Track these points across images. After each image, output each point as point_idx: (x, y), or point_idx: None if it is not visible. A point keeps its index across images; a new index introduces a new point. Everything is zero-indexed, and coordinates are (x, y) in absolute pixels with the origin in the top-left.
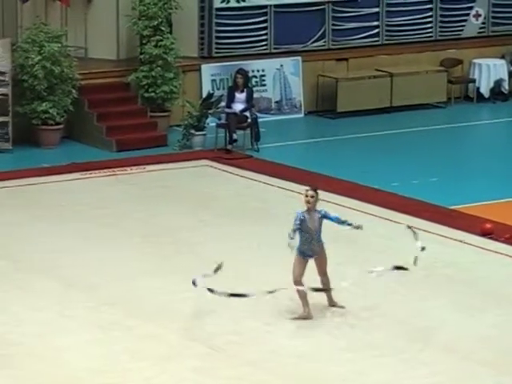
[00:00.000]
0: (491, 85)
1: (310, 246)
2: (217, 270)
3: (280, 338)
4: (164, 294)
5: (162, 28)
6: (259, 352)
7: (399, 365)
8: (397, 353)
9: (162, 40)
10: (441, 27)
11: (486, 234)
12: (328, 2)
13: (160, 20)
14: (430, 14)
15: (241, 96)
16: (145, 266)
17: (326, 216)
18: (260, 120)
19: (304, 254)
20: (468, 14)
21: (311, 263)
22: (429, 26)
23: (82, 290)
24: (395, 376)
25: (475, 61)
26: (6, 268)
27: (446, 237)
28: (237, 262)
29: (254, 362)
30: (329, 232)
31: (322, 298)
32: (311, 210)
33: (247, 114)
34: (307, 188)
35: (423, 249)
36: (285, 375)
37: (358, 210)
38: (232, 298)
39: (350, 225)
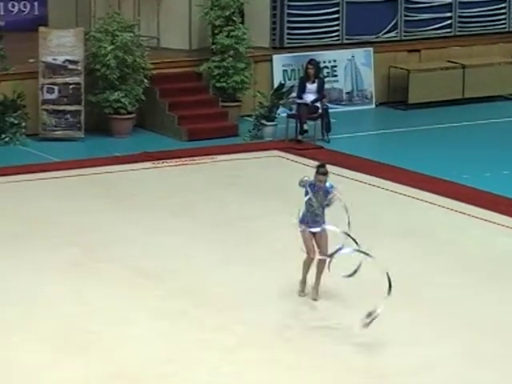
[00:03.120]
0: None
1: (312, 218)
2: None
3: (349, 327)
4: (234, 284)
5: (234, 18)
6: (325, 342)
7: (465, 358)
8: (463, 346)
9: (233, 30)
10: None
11: None
12: None
13: (232, 10)
14: (503, 5)
15: (312, 87)
16: (215, 256)
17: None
18: (331, 111)
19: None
20: None
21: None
22: (502, 17)
23: (153, 280)
24: (461, 369)
25: None
26: (79, 256)
27: None
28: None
29: (320, 352)
30: (399, 226)
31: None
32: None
33: (318, 104)
34: (321, 170)
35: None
36: (353, 366)
37: (429, 203)
38: None
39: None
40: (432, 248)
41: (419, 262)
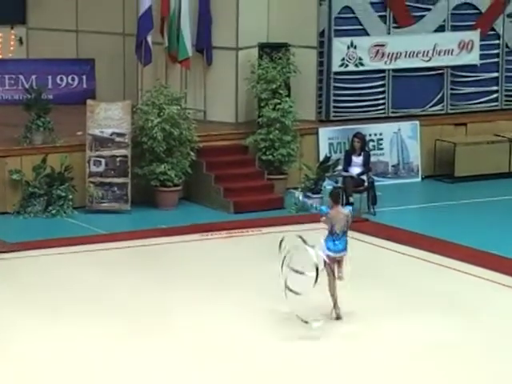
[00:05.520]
0: None
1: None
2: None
3: None
4: (286, 360)
5: (281, 91)
6: None
7: None
8: None
9: (280, 103)
10: None
11: None
12: (447, 67)
13: (278, 83)
14: None
15: (358, 159)
16: (262, 330)
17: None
18: (377, 184)
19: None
20: None
21: None
22: None
23: (200, 352)
24: None
25: None
26: (122, 330)
27: None
28: (355, 321)
29: None
30: (447, 301)
31: None
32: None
33: (364, 177)
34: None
35: None
36: None
37: (477, 277)
38: None
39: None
40: (480, 323)
41: (466, 337)
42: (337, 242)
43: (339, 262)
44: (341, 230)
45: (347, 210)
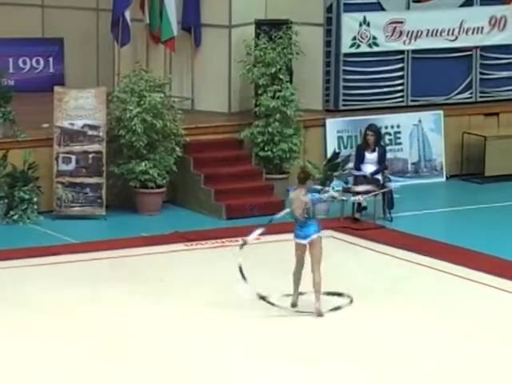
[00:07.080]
0: None
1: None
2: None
3: None
4: (267, 378)
5: (281, 76)
6: None
7: None
8: None
9: (280, 90)
10: None
11: None
12: (475, 48)
13: (278, 67)
14: None
15: (371, 156)
16: (250, 350)
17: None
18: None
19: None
20: None
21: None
22: None
23: (185, 373)
24: None
25: None
26: (101, 350)
27: None
28: (369, 343)
29: None
30: (475, 318)
31: None
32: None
33: (379, 177)
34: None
35: None
36: None
37: (509, 292)
38: None
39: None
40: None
41: (498, 355)
42: (302, 228)
43: (311, 247)
44: (301, 216)
45: (308, 197)
